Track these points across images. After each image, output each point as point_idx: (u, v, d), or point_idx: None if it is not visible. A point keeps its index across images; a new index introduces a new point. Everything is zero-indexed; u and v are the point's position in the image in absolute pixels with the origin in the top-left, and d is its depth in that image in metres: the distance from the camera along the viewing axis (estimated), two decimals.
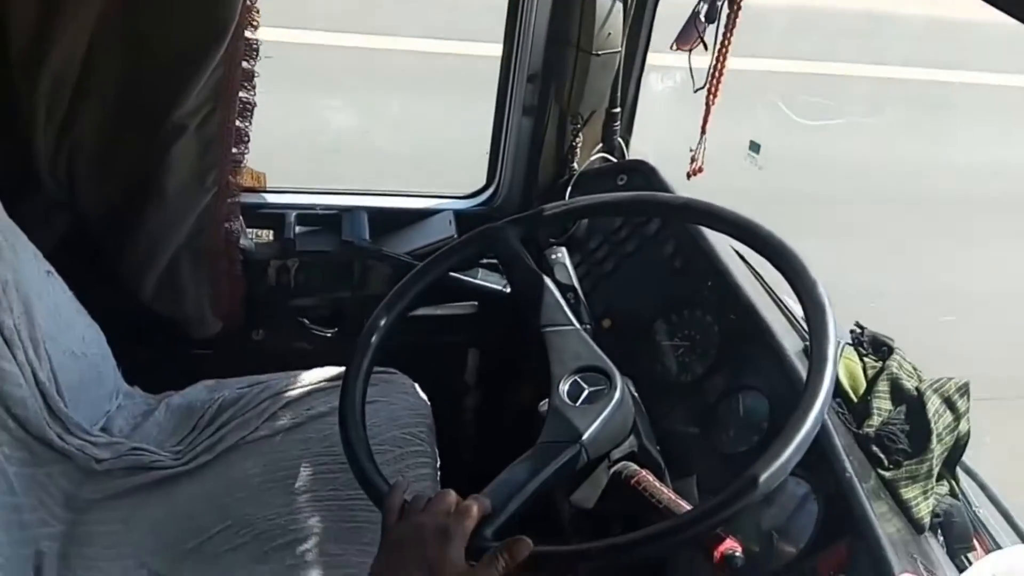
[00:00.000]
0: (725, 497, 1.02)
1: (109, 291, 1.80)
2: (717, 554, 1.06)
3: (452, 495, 1.12)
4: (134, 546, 1.51)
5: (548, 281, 1.44)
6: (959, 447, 1.31)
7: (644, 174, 1.81)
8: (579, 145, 1.97)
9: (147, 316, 1.93)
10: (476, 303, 2.15)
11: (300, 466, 1.59)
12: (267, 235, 2.06)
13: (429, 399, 1.80)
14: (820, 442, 1.18)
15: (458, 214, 2.08)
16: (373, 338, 1.40)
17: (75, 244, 1.79)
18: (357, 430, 1.30)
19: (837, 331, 1.13)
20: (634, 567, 1.58)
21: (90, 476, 1.57)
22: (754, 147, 1.86)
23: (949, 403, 1.30)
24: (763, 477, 1.01)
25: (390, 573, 1.04)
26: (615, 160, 1.97)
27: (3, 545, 1.27)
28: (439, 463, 1.68)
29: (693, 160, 1.86)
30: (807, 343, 1.24)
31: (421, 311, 2.10)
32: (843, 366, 1.40)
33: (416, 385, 1.80)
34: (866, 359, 1.43)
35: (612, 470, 1.28)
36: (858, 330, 1.48)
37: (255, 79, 1.71)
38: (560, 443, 1.20)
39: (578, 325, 1.39)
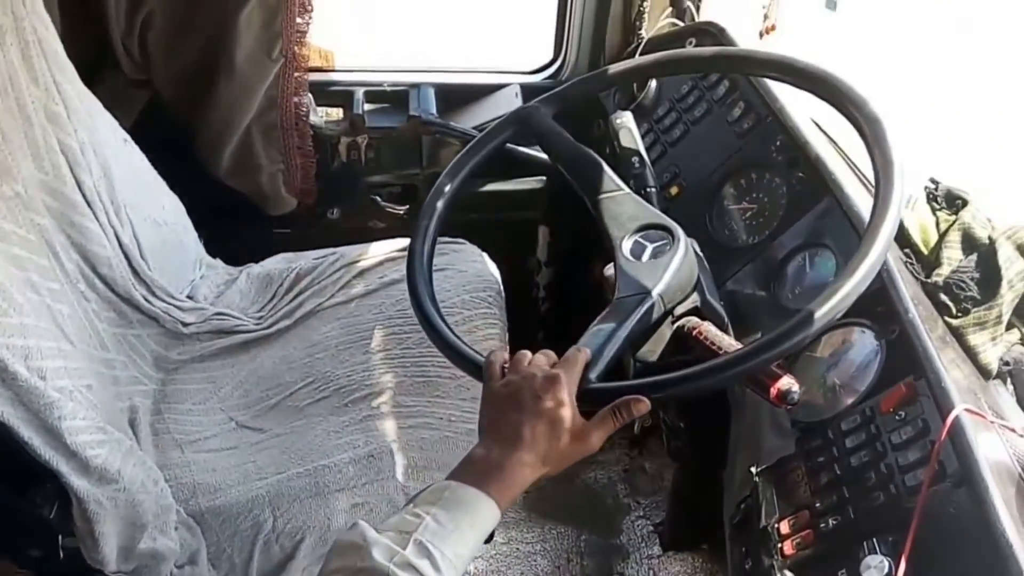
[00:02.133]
0: (781, 332, 1.01)
1: (188, 168, 1.87)
2: (774, 390, 1.06)
3: (551, 352, 1.12)
4: (222, 402, 1.61)
5: (591, 153, 1.42)
6: None
7: (713, 36, 1.76)
8: (647, 10, 1.93)
9: (226, 194, 2.00)
10: (544, 178, 2.16)
11: (374, 328, 1.65)
12: (337, 114, 2.09)
13: (501, 275, 1.82)
14: (885, 290, 1.18)
15: (525, 88, 2.07)
16: (439, 202, 1.41)
17: (153, 121, 1.85)
18: (425, 287, 1.33)
19: (905, 173, 1.10)
20: (701, 413, 1.62)
21: (178, 339, 1.66)
22: (831, 3, 1.78)
23: (1022, 250, 1.26)
24: (819, 312, 1.01)
25: (503, 423, 1.03)
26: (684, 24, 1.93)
27: (99, 397, 1.35)
28: (507, 326, 1.71)
29: (766, 18, 1.79)
30: None
31: (491, 186, 2.13)
32: (914, 219, 1.37)
33: (485, 254, 1.83)
34: (939, 213, 1.39)
35: (675, 325, 1.29)
36: (932, 185, 1.45)
37: None
38: (635, 296, 1.21)
39: (628, 189, 1.38)
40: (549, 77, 2.12)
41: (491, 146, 1.45)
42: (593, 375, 1.10)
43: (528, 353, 1.13)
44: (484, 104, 2.08)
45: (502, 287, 1.77)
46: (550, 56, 2.15)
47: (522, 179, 2.15)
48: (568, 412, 1.04)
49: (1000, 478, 0.96)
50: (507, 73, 2.16)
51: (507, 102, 2.04)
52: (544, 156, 1.82)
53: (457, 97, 2.10)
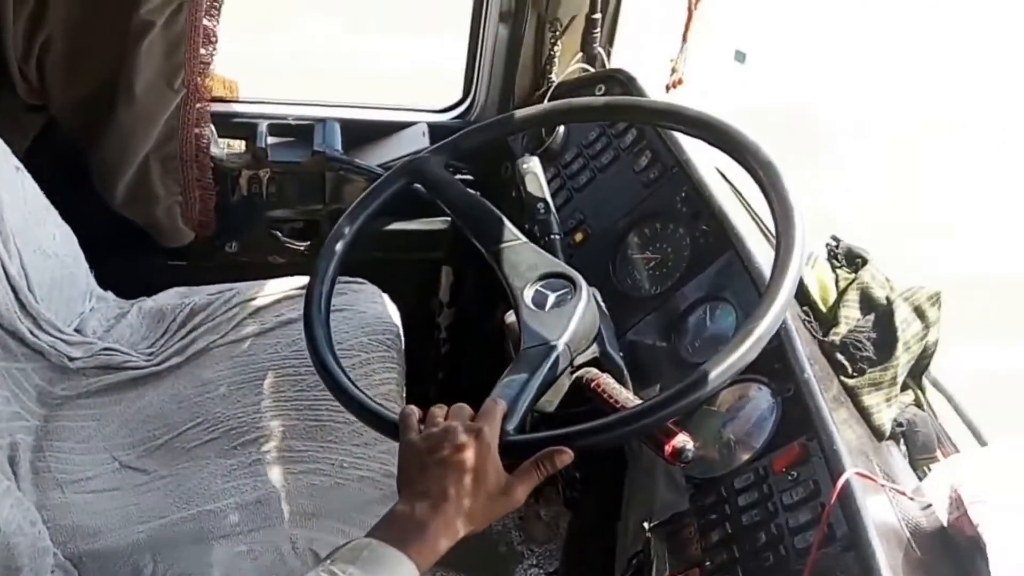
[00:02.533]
0: (675, 391, 1.02)
1: (82, 196, 1.81)
2: (668, 447, 1.06)
3: (467, 406, 1.10)
4: (106, 441, 1.55)
5: (485, 202, 1.42)
6: (927, 356, 1.30)
7: (622, 83, 1.78)
8: (558, 54, 1.93)
9: (121, 224, 1.93)
10: (449, 219, 2.13)
11: (268, 369, 1.61)
12: (239, 145, 2.04)
13: (402, 315, 1.80)
14: (782, 348, 1.19)
15: (433, 127, 2.06)
16: (337, 245, 1.39)
17: (48, 147, 1.79)
18: (325, 338, 1.30)
19: (805, 234, 1.11)
20: (597, 464, 1.61)
21: (63, 374, 1.60)
22: (740, 56, 1.80)
23: (919, 312, 1.29)
24: (713, 373, 1.02)
25: (426, 479, 1.00)
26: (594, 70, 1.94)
27: None
28: (405, 370, 1.69)
29: (673, 71, 1.81)
30: None
31: (394, 226, 2.09)
32: (814, 277, 1.39)
33: (385, 296, 1.80)
34: (839, 271, 1.41)
35: (574, 376, 1.28)
36: (833, 243, 1.47)
37: None
38: (542, 346, 1.20)
39: (524, 239, 1.37)
40: (457, 117, 2.11)
41: (385, 195, 1.44)
42: (510, 427, 1.08)
43: (444, 407, 1.11)
44: (391, 142, 2.05)
45: (401, 329, 1.75)
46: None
47: (426, 219, 2.12)
48: (492, 466, 1.02)
49: (888, 543, 0.97)
50: (415, 111, 2.14)
51: (413, 141, 2.01)
52: None
53: (364, 133, 2.07)
